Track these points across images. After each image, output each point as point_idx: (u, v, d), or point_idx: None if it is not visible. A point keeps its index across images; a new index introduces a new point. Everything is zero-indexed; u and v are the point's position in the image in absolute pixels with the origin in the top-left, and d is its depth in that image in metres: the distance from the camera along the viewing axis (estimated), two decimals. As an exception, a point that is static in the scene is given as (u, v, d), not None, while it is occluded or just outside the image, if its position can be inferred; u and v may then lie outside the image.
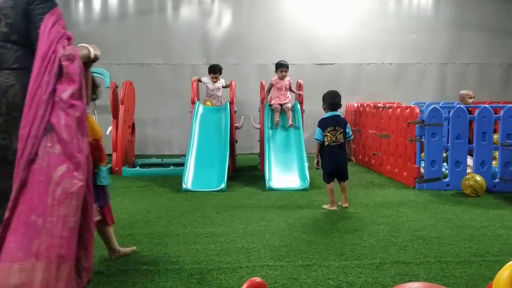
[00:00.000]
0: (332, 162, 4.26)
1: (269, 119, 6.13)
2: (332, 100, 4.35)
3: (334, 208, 4.23)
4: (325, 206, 4.28)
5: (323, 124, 4.30)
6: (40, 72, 1.97)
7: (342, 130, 4.25)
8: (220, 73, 6.82)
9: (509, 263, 1.54)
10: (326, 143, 4.24)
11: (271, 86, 6.28)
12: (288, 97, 6.27)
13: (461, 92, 6.41)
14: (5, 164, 2.04)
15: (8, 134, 2.06)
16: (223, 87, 6.85)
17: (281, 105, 6.17)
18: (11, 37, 2.09)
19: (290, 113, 6.10)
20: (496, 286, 1.50)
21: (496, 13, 8.95)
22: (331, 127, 4.25)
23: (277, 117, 6.09)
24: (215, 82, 6.76)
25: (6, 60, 2.08)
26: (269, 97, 6.30)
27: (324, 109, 4.41)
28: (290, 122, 6.02)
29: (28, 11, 2.07)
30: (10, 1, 2.09)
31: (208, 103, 6.66)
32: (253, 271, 2.70)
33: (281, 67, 6.29)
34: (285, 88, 6.26)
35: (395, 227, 3.61)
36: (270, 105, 6.20)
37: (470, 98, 6.22)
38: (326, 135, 4.25)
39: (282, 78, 6.26)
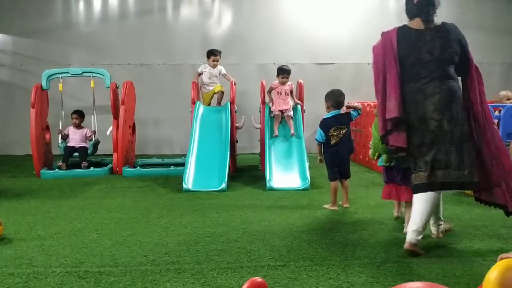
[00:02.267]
0: (336, 159, 4.31)
1: (269, 119, 6.11)
2: (337, 98, 4.37)
3: (335, 208, 4.24)
4: (325, 206, 4.29)
5: (326, 125, 4.31)
6: (474, 84, 3.12)
7: (346, 126, 4.31)
8: (220, 56, 6.67)
9: (497, 263, 1.55)
10: (333, 142, 4.29)
11: (271, 89, 6.21)
12: (288, 102, 6.17)
13: (500, 92, 6.25)
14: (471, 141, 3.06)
15: (463, 121, 3.04)
16: (221, 74, 6.67)
17: (282, 112, 6.07)
18: (454, 59, 3.08)
19: (291, 122, 6.01)
20: (486, 286, 1.50)
21: (496, 12, 8.94)
22: (335, 127, 4.28)
23: (276, 128, 5.94)
24: (215, 66, 6.59)
25: (452, 74, 3.09)
26: (269, 101, 6.21)
27: (328, 107, 4.40)
28: (292, 131, 5.93)
29: (463, 45, 3.12)
30: (452, 34, 3.09)
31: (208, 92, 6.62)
32: (254, 271, 2.70)
33: (282, 72, 6.09)
34: (285, 93, 6.14)
35: (396, 227, 3.60)
36: (271, 112, 6.10)
37: (508, 99, 6.01)
38: (332, 135, 4.28)
39: (283, 84, 6.16)
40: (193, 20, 8.72)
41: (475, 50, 9.53)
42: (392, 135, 3.05)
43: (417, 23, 3.09)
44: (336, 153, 4.29)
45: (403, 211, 3.65)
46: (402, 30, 3.12)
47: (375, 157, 3.57)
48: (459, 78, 3.16)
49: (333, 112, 4.34)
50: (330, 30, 8.71)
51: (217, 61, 6.62)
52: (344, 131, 4.28)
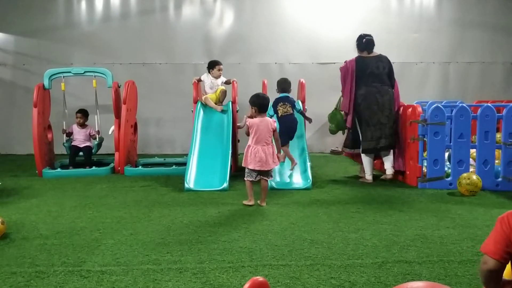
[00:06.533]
0: (285, 128, 5.55)
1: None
2: (281, 85, 5.88)
3: (296, 163, 5.54)
4: (290, 168, 5.55)
5: (275, 102, 5.67)
6: (397, 89, 5.68)
7: (290, 105, 5.65)
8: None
9: None
10: (279, 114, 5.59)
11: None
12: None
13: None
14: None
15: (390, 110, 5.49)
16: (224, 82, 6.52)
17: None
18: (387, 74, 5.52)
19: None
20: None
21: (498, 11, 8.91)
22: (281, 103, 5.66)
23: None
24: (218, 77, 6.39)
25: (387, 82, 5.50)
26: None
27: (277, 92, 5.88)
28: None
29: (390, 66, 5.57)
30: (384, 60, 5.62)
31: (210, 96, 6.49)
32: (256, 270, 2.70)
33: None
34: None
35: (398, 226, 3.60)
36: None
37: None
38: (279, 109, 5.64)
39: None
40: (194, 20, 8.72)
41: (477, 50, 9.63)
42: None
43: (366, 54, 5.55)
44: (284, 123, 5.55)
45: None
46: (359, 58, 5.53)
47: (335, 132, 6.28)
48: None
49: (281, 94, 5.79)
50: (331, 29, 8.70)
51: (222, 70, 6.46)
52: (289, 109, 5.62)
